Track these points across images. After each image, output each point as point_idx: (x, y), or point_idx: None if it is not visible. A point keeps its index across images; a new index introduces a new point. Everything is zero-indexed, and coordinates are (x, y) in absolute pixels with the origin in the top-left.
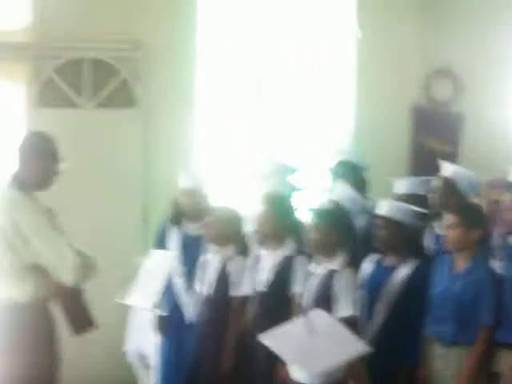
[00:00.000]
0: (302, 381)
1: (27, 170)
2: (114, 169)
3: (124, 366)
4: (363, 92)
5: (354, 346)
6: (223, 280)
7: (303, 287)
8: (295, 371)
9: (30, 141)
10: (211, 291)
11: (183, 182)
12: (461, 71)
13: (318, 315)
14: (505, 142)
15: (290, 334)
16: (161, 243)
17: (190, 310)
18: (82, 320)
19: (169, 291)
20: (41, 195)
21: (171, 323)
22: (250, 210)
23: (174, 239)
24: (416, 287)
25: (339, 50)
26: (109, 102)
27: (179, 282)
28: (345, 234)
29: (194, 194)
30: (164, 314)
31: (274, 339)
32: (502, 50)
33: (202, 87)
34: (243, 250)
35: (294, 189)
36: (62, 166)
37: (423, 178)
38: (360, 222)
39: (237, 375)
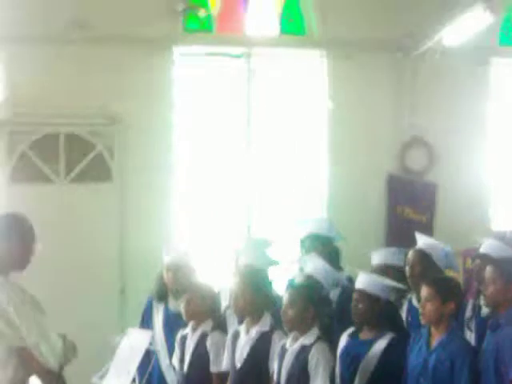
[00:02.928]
0: None
1: (3, 251)
2: (91, 243)
3: None
4: (337, 162)
5: None
6: (201, 356)
7: (278, 363)
8: None
9: (5, 221)
10: (189, 368)
11: (167, 257)
12: (434, 141)
13: None
14: (477, 211)
15: None
16: (147, 320)
17: None
18: None
19: (154, 370)
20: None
21: None
22: (227, 284)
23: (159, 316)
24: (392, 361)
25: (312, 119)
26: (84, 177)
27: (164, 361)
28: (320, 308)
29: (179, 269)
30: None
31: None
32: (472, 120)
33: (178, 160)
34: (221, 325)
35: (270, 262)
36: (39, 246)
37: (399, 248)
38: (334, 294)
39: None
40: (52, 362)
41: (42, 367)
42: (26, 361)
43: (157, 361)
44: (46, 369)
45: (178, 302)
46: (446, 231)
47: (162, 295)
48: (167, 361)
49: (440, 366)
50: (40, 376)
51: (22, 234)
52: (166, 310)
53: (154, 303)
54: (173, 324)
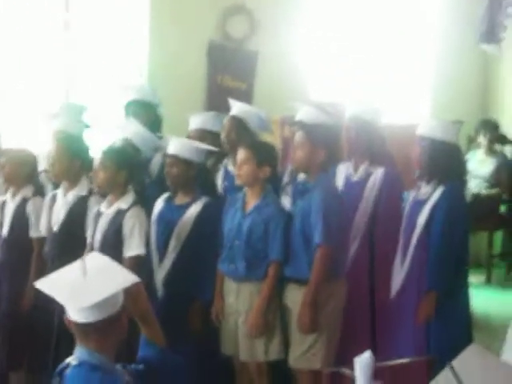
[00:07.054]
0: (79, 320)
1: None
2: None
3: None
4: (157, 28)
5: (122, 279)
6: (21, 222)
7: (94, 226)
8: (70, 312)
9: None
10: (9, 233)
11: None
12: (255, 8)
13: (93, 257)
14: (296, 80)
15: (64, 277)
16: None
17: None
18: None
19: None
20: None
21: None
22: (42, 149)
23: None
24: (206, 224)
25: None
26: None
27: None
28: (134, 173)
29: None
30: None
31: (48, 283)
32: None
33: None
34: (40, 191)
35: (85, 127)
36: None
37: (217, 113)
38: (155, 160)
39: (35, 316)
40: None
41: None
42: None
43: None
44: None
45: None
46: (265, 99)
47: None
48: None
49: (255, 229)
50: None
51: None
52: None
53: None
54: None
